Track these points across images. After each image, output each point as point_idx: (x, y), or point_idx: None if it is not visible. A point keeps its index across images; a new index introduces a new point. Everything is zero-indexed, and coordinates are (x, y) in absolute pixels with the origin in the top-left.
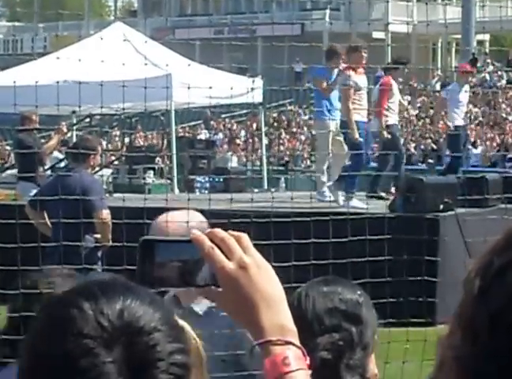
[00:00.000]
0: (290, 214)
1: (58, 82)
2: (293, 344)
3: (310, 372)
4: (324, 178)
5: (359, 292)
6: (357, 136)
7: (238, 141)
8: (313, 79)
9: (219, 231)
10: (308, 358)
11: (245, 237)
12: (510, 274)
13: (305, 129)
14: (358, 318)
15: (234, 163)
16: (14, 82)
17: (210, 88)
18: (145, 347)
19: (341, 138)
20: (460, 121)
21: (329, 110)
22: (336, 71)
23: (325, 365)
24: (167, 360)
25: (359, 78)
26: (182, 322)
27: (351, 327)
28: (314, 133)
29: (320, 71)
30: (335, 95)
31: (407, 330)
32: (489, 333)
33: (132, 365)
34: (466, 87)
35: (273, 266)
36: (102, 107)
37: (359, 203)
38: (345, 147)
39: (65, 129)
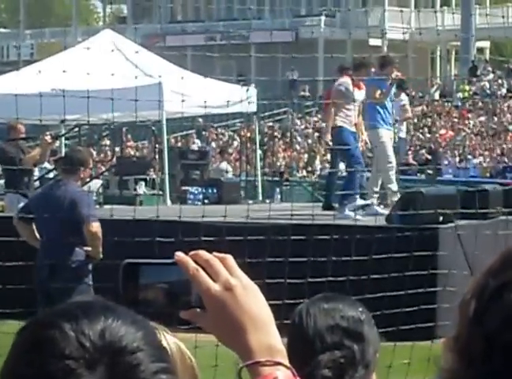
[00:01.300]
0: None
1: (40, 93)
2: (283, 365)
3: None
4: (395, 188)
5: (360, 309)
6: (328, 139)
7: (230, 151)
8: (368, 88)
9: (203, 253)
10: (298, 378)
11: (230, 258)
12: (506, 296)
13: (298, 138)
14: (360, 336)
15: (229, 173)
16: None
17: (205, 102)
18: (128, 366)
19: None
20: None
21: (383, 120)
22: (390, 80)
23: None
24: None
25: (359, 92)
26: (177, 341)
27: (352, 344)
28: (368, 142)
29: (374, 81)
30: (388, 104)
31: (403, 345)
32: (484, 355)
33: None
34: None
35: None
36: (88, 118)
37: (351, 214)
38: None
39: (49, 140)
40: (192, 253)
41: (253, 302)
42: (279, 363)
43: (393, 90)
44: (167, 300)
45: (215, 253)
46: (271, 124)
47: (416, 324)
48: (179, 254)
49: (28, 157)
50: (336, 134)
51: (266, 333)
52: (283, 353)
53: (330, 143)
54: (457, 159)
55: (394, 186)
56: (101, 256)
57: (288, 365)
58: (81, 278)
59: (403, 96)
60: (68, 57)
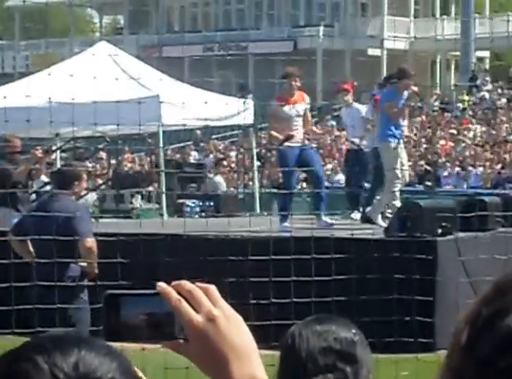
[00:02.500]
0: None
1: (34, 106)
2: None
3: None
4: (398, 204)
5: (353, 331)
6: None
7: (225, 163)
8: (382, 101)
9: (185, 283)
10: None
11: (213, 288)
12: (499, 324)
13: None
14: (353, 357)
15: (223, 186)
16: None
17: (205, 119)
18: None
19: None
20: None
21: (393, 133)
22: (406, 93)
23: None
24: None
25: (289, 107)
26: (139, 372)
27: (345, 367)
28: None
29: (389, 94)
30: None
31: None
32: None
33: None
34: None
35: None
36: (73, 130)
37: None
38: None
39: (39, 154)
40: (174, 283)
41: (235, 332)
42: None
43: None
44: (150, 331)
45: (198, 284)
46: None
47: (414, 337)
48: (161, 285)
49: (18, 171)
50: (280, 155)
51: (249, 364)
52: None
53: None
54: (457, 169)
55: (398, 203)
56: (97, 271)
57: None
58: (77, 294)
59: None
60: (63, 69)
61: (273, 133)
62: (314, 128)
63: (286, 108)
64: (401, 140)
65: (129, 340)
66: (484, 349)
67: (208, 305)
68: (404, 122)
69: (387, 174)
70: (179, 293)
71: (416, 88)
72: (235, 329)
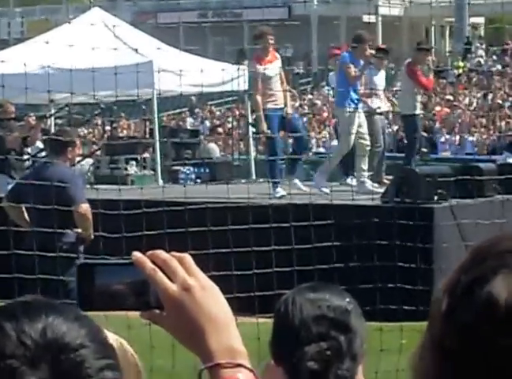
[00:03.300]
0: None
1: (29, 71)
2: (244, 367)
3: None
4: (364, 167)
5: (347, 299)
6: (264, 128)
7: (220, 130)
8: (341, 64)
9: (160, 252)
10: None
11: (188, 257)
12: (478, 291)
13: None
14: (346, 326)
15: (217, 153)
16: None
17: (200, 85)
18: (72, 364)
19: (364, 126)
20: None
21: (351, 99)
22: (363, 59)
23: (313, 376)
24: (96, 377)
25: (269, 67)
26: (119, 338)
27: (339, 335)
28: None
29: (348, 58)
30: (357, 83)
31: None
32: (459, 351)
33: None
34: (382, 72)
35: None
36: (72, 94)
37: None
38: (366, 136)
39: (32, 121)
40: (149, 252)
41: (212, 302)
42: (240, 365)
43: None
44: (124, 300)
45: (173, 253)
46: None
47: (410, 305)
48: (136, 254)
49: (12, 138)
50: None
51: (226, 334)
52: (244, 354)
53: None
54: (455, 136)
55: (332, 166)
56: (92, 237)
57: (250, 367)
58: (73, 260)
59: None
60: (57, 35)
61: (258, 98)
62: (290, 89)
63: (268, 68)
64: (359, 106)
65: (103, 310)
66: (464, 317)
67: (184, 275)
68: (362, 88)
69: (340, 139)
70: (154, 262)
71: (372, 52)
72: (211, 299)
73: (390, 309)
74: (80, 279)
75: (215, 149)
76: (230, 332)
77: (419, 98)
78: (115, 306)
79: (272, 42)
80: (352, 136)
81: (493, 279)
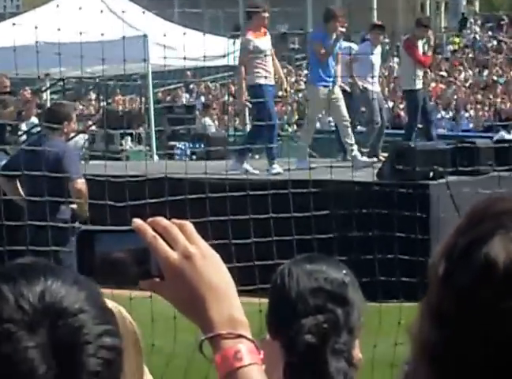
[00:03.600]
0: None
1: (24, 45)
2: (245, 337)
3: (263, 366)
4: (350, 141)
5: (344, 271)
6: (243, 99)
7: (214, 105)
8: (311, 41)
9: (161, 219)
10: (262, 352)
11: (189, 225)
12: (475, 253)
13: (291, 91)
14: (344, 299)
15: (212, 128)
16: None
17: (195, 59)
18: (70, 329)
19: (341, 103)
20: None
21: (320, 76)
22: (334, 35)
23: (309, 350)
24: (95, 343)
25: (261, 41)
26: (117, 305)
27: (336, 308)
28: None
29: (318, 35)
30: (331, 60)
31: (400, 306)
32: (457, 315)
33: (57, 349)
34: (379, 48)
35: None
36: (62, 71)
37: (279, 169)
38: (344, 112)
39: (28, 95)
40: (150, 219)
41: (213, 271)
42: (241, 336)
43: (339, 45)
44: (125, 268)
45: (174, 220)
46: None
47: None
48: (137, 221)
49: (6, 112)
50: (256, 91)
51: (228, 304)
52: (245, 325)
53: (247, 103)
54: (450, 113)
55: (306, 143)
56: (87, 213)
57: (251, 337)
58: (67, 237)
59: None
60: (52, 9)
61: (242, 69)
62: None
63: (260, 42)
64: (336, 86)
65: (103, 277)
66: (462, 280)
67: (185, 243)
68: (338, 67)
69: (306, 117)
70: (155, 230)
71: (343, 29)
72: (212, 267)
73: (389, 281)
74: (81, 246)
75: (211, 124)
76: (231, 301)
77: (419, 73)
78: (115, 275)
79: (266, 15)
80: (318, 116)
81: (490, 241)
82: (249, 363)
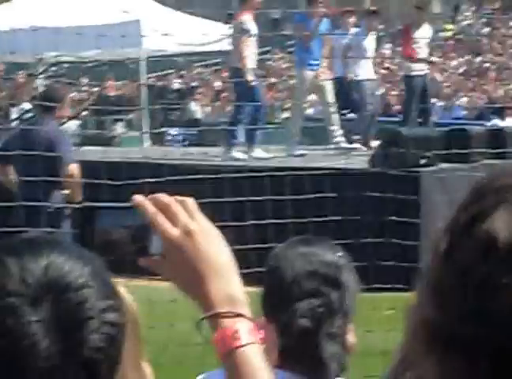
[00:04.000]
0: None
1: (16, 29)
2: (244, 316)
3: (263, 346)
4: (333, 128)
5: (339, 254)
6: (251, 78)
7: (206, 91)
8: (294, 26)
9: (163, 196)
10: (262, 332)
11: (190, 201)
12: (477, 228)
13: (283, 78)
14: (338, 282)
15: (198, 114)
16: None
17: (188, 44)
18: (74, 303)
19: (328, 88)
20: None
21: (305, 60)
22: (317, 17)
23: (304, 334)
24: (98, 318)
25: (253, 24)
26: (118, 285)
27: (331, 292)
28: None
29: (300, 18)
30: (316, 43)
31: (392, 296)
32: (459, 292)
33: (60, 324)
34: (372, 35)
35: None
36: (55, 55)
37: (262, 153)
38: (329, 95)
39: (21, 79)
40: (151, 196)
41: (213, 248)
42: (240, 315)
43: (323, 27)
44: (126, 244)
45: (175, 197)
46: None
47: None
48: (137, 197)
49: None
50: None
51: (227, 282)
52: (244, 303)
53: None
54: (443, 100)
55: (297, 126)
56: (80, 198)
57: (250, 316)
58: (59, 222)
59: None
60: None
61: (243, 49)
62: None
63: (251, 25)
64: (322, 69)
65: (104, 253)
66: (463, 256)
67: (185, 219)
68: (326, 49)
69: (292, 102)
70: (157, 206)
71: (326, 10)
72: (212, 245)
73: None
74: (82, 221)
75: (197, 111)
76: (230, 279)
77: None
78: (115, 251)
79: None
80: (304, 100)
81: (492, 215)
82: (248, 343)
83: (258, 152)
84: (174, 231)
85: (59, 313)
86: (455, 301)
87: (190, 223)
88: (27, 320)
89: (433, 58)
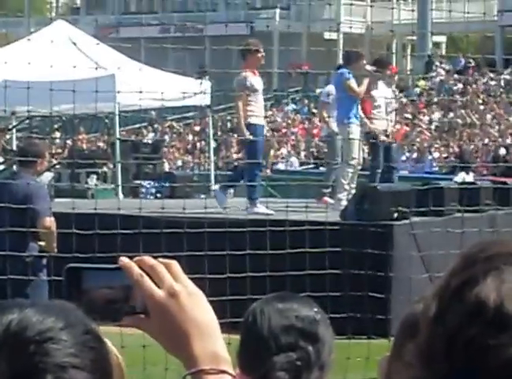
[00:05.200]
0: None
1: None
2: (227, 373)
3: None
4: (346, 186)
5: (315, 309)
6: (247, 134)
7: (178, 145)
8: (344, 80)
9: (148, 258)
10: None
11: (175, 264)
12: (467, 294)
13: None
14: (315, 336)
15: (166, 168)
16: None
17: (161, 99)
18: (30, 357)
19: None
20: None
21: (355, 115)
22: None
23: None
24: (55, 374)
25: (256, 80)
26: (104, 338)
27: (308, 345)
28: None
29: (344, 74)
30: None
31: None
32: (446, 354)
33: (14, 376)
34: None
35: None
36: (29, 109)
37: (263, 209)
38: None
39: None
40: (136, 258)
41: (197, 308)
42: (223, 371)
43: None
44: (111, 305)
45: (160, 259)
46: (229, 117)
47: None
48: (123, 259)
49: None
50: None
51: (211, 341)
52: (228, 361)
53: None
54: (414, 154)
55: (346, 184)
56: (56, 250)
57: (233, 373)
58: (35, 273)
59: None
60: (19, 48)
61: (240, 104)
62: None
63: (255, 80)
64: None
65: (89, 314)
66: (453, 318)
67: (170, 281)
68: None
69: (345, 158)
70: (141, 268)
71: (371, 68)
72: (196, 305)
73: (357, 317)
74: (68, 282)
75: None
76: (215, 338)
77: (381, 115)
78: (101, 311)
79: (261, 55)
80: (356, 152)
81: (482, 282)
82: None
83: (262, 209)
84: (159, 292)
85: (15, 367)
86: (443, 362)
87: (174, 284)
88: None
89: (391, 116)
